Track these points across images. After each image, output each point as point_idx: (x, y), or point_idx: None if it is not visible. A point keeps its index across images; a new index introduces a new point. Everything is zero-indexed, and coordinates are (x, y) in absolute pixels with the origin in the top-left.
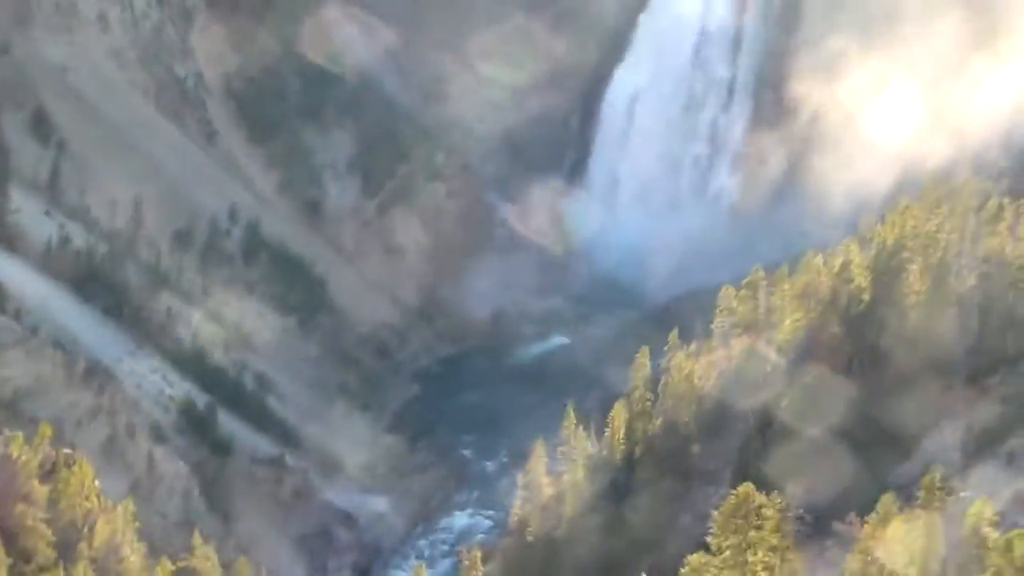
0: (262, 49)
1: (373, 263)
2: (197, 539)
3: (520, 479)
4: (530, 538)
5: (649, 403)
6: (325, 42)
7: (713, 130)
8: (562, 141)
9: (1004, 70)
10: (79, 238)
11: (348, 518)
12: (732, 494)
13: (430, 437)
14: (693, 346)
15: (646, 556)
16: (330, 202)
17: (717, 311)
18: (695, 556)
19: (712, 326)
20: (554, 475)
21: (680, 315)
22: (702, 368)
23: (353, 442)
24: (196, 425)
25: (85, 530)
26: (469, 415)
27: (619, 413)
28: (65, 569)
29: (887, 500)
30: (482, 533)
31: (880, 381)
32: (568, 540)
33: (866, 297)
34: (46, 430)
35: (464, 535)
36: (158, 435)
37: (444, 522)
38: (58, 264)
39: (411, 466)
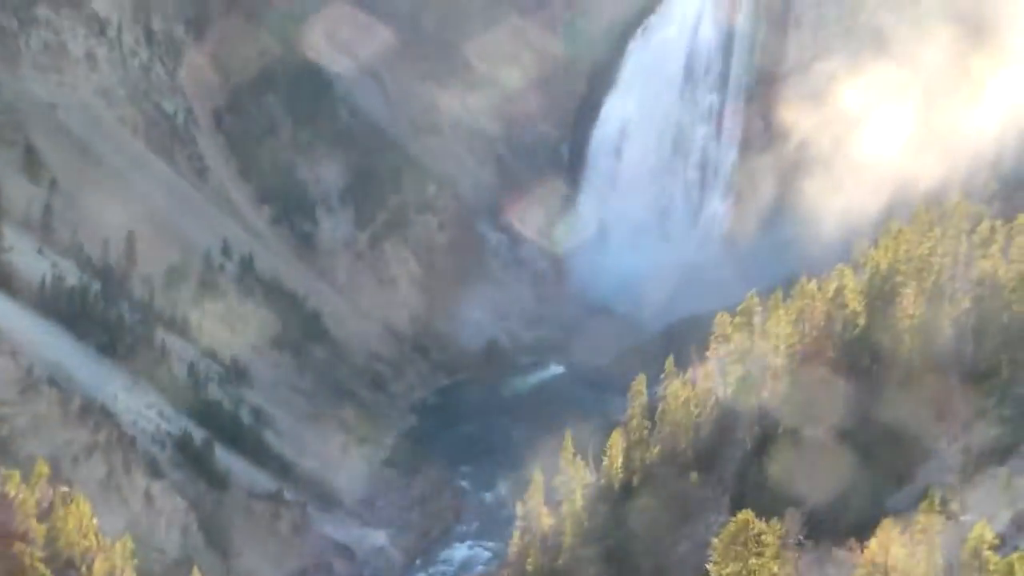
0: (252, 84)
1: (367, 295)
2: (196, 575)
3: (519, 510)
4: (530, 569)
5: (646, 431)
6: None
7: (703, 157)
8: (554, 170)
9: (992, 93)
10: (72, 276)
11: (347, 552)
12: (732, 521)
13: (428, 469)
14: (689, 373)
15: None
16: (323, 235)
17: (712, 338)
18: None
19: (708, 353)
20: (553, 505)
21: (676, 343)
22: (699, 395)
23: (351, 475)
24: (193, 460)
25: (83, 568)
26: (466, 446)
27: (616, 442)
28: None
29: (887, 525)
30: (482, 565)
31: (877, 405)
32: (568, 571)
33: (861, 322)
34: (43, 468)
35: (464, 567)
36: (155, 471)
37: (444, 554)
38: (52, 302)
39: (409, 499)
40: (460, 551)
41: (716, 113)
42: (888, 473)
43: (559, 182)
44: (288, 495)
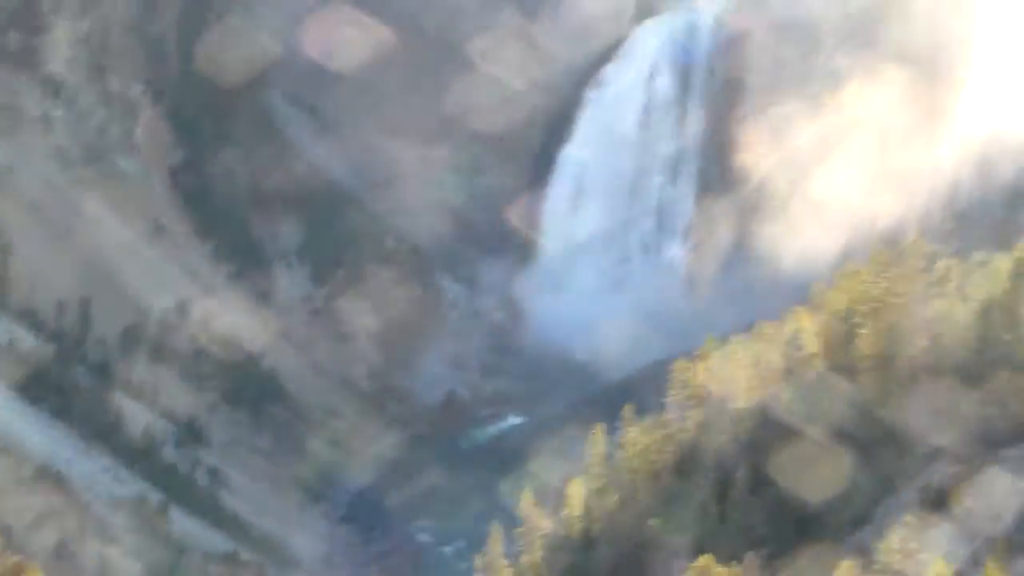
0: (208, 143)
1: (324, 351)
2: None
3: (478, 562)
4: None
5: (606, 480)
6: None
7: (660, 204)
8: (511, 221)
9: (946, 132)
10: (26, 341)
11: None
12: (691, 567)
13: (386, 525)
14: (648, 420)
15: None
16: (280, 292)
17: (670, 385)
18: None
19: (666, 400)
20: (512, 557)
21: (635, 390)
22: (658, 442)
23: (308, 534)
24: (148, 524)
25: None
26: (425, 500)
27: (576, 491)
28: None
29: (847, 567)
30: None
31: (836, 448)
32: None
33: (819, 364)
34: None
35: None
36: (109, 536)
37: None
38: (5, 368)
39: (368, 556)
40: None
41: (672, 160)
42: (848, 514)
43: (516, 232)
44: (245, 556)
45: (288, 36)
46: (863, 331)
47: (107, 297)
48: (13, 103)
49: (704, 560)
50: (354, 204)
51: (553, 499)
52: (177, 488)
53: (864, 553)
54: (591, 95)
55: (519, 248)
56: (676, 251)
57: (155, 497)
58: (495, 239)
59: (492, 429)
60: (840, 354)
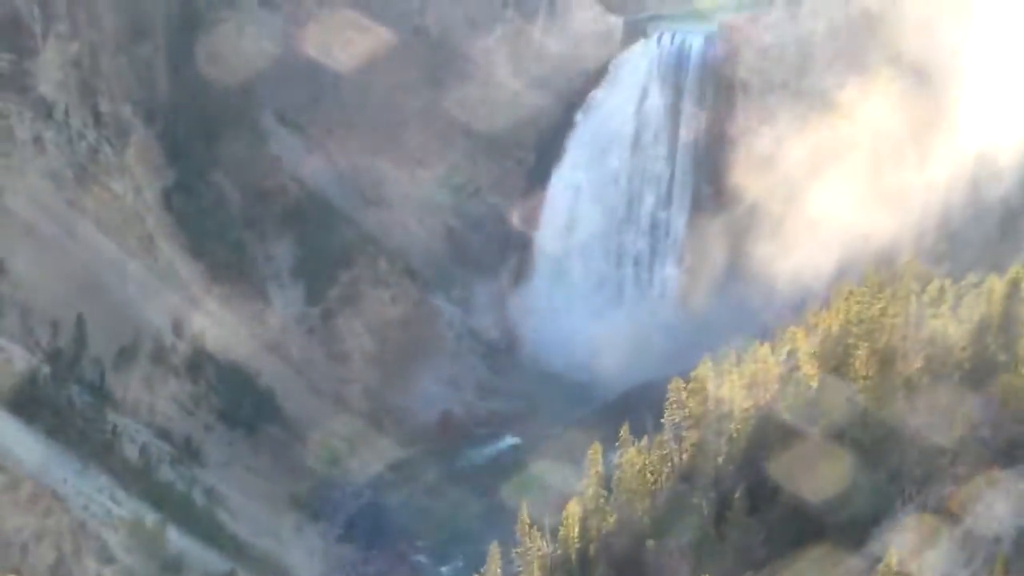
0: (200, 163)
1: (320, 371)
2: None
3: None
4: None
5: (603, 500)
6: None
7: (654, 224)
8: (505, 241)
9: (938, 153)
10: (21, 360)
11: None
12: None
13: (384, 544)
14: (644, 441)
15: None
16: (274, 312)
17: (667, 405)
18: None
19: (663, 420)
20: None
21: (631, 410)
22: (654, 463)
23: (306, 553)
24: (145, 543)
25: None
26: (422, 520)
27: (573, 511)
28: None
29: None
30: None
31: (830, 467)
32: None
33: (814, 384)
34: None
35: None
36: (106, 556)
37: None
38: (0, 388)
39: (365, 575)
40: None
41: (665, 181)
42: (845, 538)
43: (511, 253)
44: (243, 575)
45: (278, 56)
46: (858, 352)
47: (102, 316)
48: (4, 125)
49: None
50: (347, 223)
51: (551, 519)
52: (174, 507)
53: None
54: (582, 117)
55: (513, 268)
56: (670, 271)
57: (152, 516)
58: (490, 259)
59: (489, 449)
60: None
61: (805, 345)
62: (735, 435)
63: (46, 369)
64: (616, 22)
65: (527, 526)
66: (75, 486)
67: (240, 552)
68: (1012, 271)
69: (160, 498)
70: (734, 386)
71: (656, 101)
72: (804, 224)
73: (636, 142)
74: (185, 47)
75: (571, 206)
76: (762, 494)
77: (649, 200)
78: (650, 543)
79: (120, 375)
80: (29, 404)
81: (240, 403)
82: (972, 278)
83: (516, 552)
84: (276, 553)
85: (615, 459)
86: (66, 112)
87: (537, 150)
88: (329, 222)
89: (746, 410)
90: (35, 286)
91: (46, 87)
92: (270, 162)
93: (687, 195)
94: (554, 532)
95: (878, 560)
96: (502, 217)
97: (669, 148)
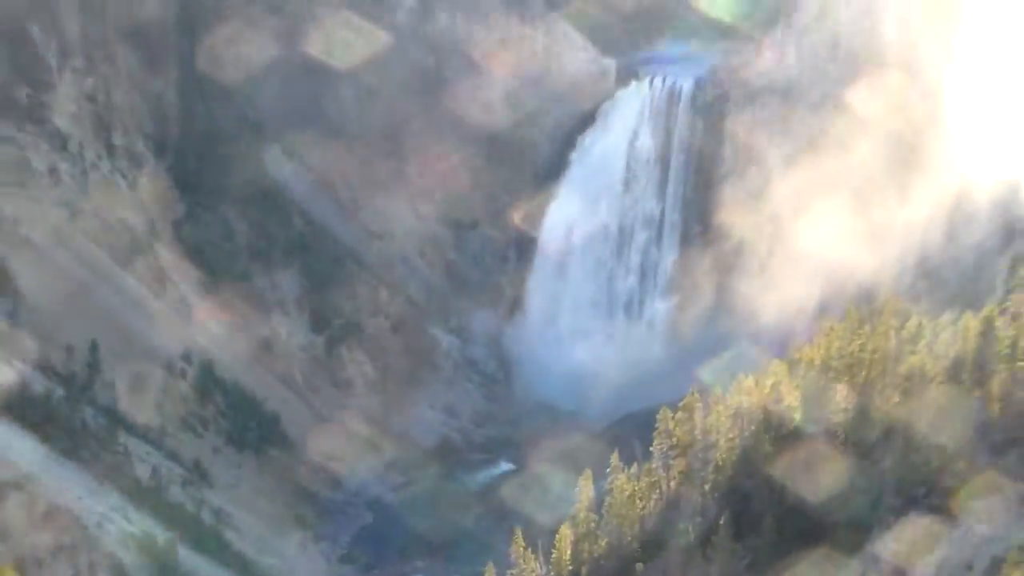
0: (209, 195)
1: (323, 397)
2: None
3: None
4: None
5: (594, 524)
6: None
7: (645, 259)
8: (501, 274)
9: (917, 194)
10: (38, 383)
11: None
12: None
13: (383, 564)
14: (634, 468)
15: None
16: (280, 341)
17: (656, 433)
18: None
19: (652, 448)
20: None
21: (621, 438)
22: (643, 489)
23: (310, 572)
24: (156, 560)
25: None
26: (421, 541)
27: (565, 535)
28: None
29: None
30: None
31: (813, 495)
32: None
33: (796, 416)
34: (9, 573)
35: None
36: (119, 572)
37: None
38: (18, 409)
39: None
40: None
41: (656, 218)
42: (827, 561)
43: (506, 285)
44: None
45: (285, 93)
46: (839, 385)
47: (115, 342)
48: (21, 156)
49: None
50: (350, 256)
51: (543, 542)
52: (184, 526)
53: None
54: (576, 157)
55: (509, 301)
56: (659, 305)
57: (163, 534)
58: (486, 292)
59: (484, 475)
60: (817, 407)
61: (787, 379)
62: (721, 463)
63: (61, 392)
64: (610, 64)
65: (522, 548)
66: (89, 504)
67: (247, 570)
68: (986, 310)
69: (170, 517)
70: (720, 416)
71: (647, 141)
72: (789, 261)
73: (628, 181)
74: (195, 83)
75: (565, 243)
76: (747, 520)
77: (640, 237)
78: (639, 566)
79: (132, 399)
80: (45, 425)
81: (247, 427)
82: (948, 316)
83: (511, 573)
84: (281, 571)
85: (605, 485)
86: (80, 144)
87: (533, 186)
88: (333, 254)
89: (731, 440)
90: (50, 312)
91: (61, 120)
92: (276, 196)
93: (676, 233)
94: (547, 554)
95: None
96: (500, 251)
97: (659, 188)
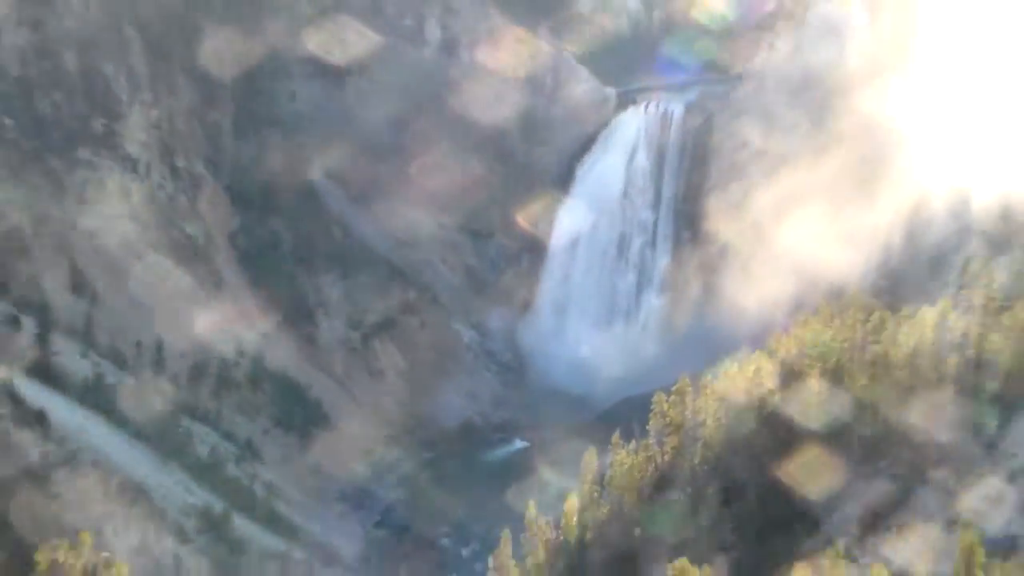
0: (260, 210)
1: (360, 385)
2: None
3: (491, 562)
4: None
5: (597, 495)
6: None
7: (641, 262)
8: (515, 276)
9: (880, 204)
10: (111, 375)
11: None
12: (671, 567)
13: (414, 530)
14: (632, 445)
15: None
16: (322, 335)
17: (652, 414)
18: None
19: (648, 427)
20: (520, 558)
21: (621, 419)
22: (640, 463)
23: (348, 536)
24: (214, 527)
25: None
26: (446, 510)
27: (572, 503)
28: None
29: (800, 568)
30: None
31: (789, 467)
32: None
33: (776, 398)
34: (87, 538)
35: None
36: (182, 537)
37: None
38: (94, 396)
39: (398, 555)
40: None
41: (651, 226)
42: (801, 524)
43: (520, 286)
44: (295, 555)
45: (325, 119)
46: (812, 371)
47: (178, 339)
48: (98, 177)
49: (681, 563)
50: (383, 262)
51: (553, 510)
52: (238, 498)
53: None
54: (581, 173)
55: (522, 300)
56: (654, 302)
57: (220, 505)
58: (502, 292)
59: (501, 451)
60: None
61: (767, 365)
62: (709, 441)
63: (131, 383)
64: (610, 92)
65: (534, 516)
66: (156, 479)
67: (293, 535)
68: (941, 304)
69: (226, 490)
70: (708, 400)
71: (643, 160)
72: (767, 262)
73: (627, 194)
74: (248, 113)
75: (573, 248)
76: (732, 489)
77: (637, 243)
78: (637, 531)
79: (193, 387)
80: (119, 412)
81: (293, 411)
82: (907, 310)
83: (525, 537)
84: (323, 536)
85: (608, 460)
86: (148, 167)
87: (544, 199)
88: (367, 260)
89: (718, 420)
90: (123, 312)
91: (132, 146)
92: (318, 210)
93: (669, 238)
94: (556, 521)
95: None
96: (514, 256)
97: (654, 199)
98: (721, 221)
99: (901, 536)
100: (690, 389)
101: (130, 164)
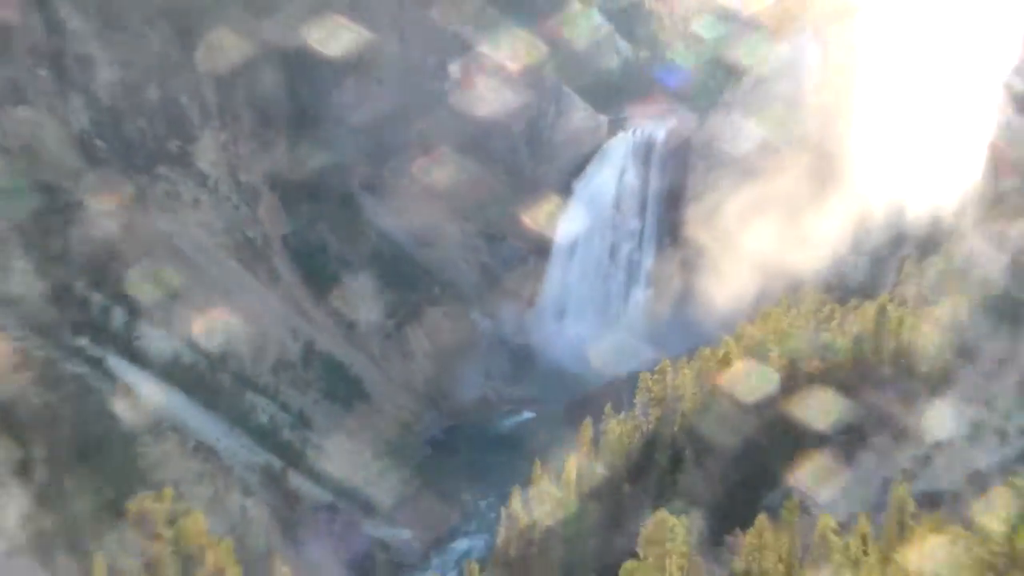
0: (308, 217)
1: (394, 365)
2: (277, 564)
3: (503, 513)
4: (512, 553)
5: (592, 457)
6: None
7: (630, 262)
8: (524, 274)
9: (830, 213)
10: (187, 355)
11: (383, 545)
12: (652, 519)
13: (440, 485)
14: (622, 415)
15: (593, 562)
16: (362, 323)
17: (638, 390)
18: (629, 563)
19: (635, 401)
20: (527, 510)
21: (613, 394)
22: (629, 431)
23: (385, 491)
24: (274, 483)
25: (199, 559)
26: (466, 469)
27: (572, 465)
28: None
29: (762, 519)
30: (478, 552)
31: (755, 432)
32: (539, 553)
33: (741, 376)
34: (168, 492)
35: (466, 554)
36: (247, 491)
37: (451, 546)
38: (173, 373)
39: (427, 506)
40: (462, 543)
41: (638, 232)
42: (763, 481)
43: (528, 282)
44: (341, 506)
45: (362, 141)
46: (772, 353)
47: (243, 327)
48: (174, 190)
49: (661, 514)
50: (412, 261)
51: (556, 470)
52: (293, 458)
53: (775, 508)
54: (578, 186)
55: (530, 294)
56: (641, 295)
57: (278, 464)
58: (513, 287)
59: (511, 421)
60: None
61: (736, 349)
62: (686, 412)
63: (204, 362)
64: (603, 119)
65: (539, 475)
66: (225, 443)
67: (339, 489)
68: (880, 298)
69: (283, 451)
70: (686, 377)
71: (631, 177)
72: (735, 262)
73: (617, 205)
74: (298, 135)
75: (572, 250)
76: (705, 452)
77: (626, 246)
78: (625, 487)
79: (255, 366)
80: (193, 386)
81: (338, 386)
82: (853, 303)
83: (532, 492)
84: (364, 490)
85: (601, 428)
86: (216, 181)
87: (548, 209)
88: (399, 259)
89: (694, 394)
90: (196, 303)
91: (203, 164)
92: (357, 217)
93: (653, 242)
94: (559, 478)
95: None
96: (522, 256)
97: (640, 209)
98: (697, 227)
99: (845, 495)
100: (670, 369)
101: (201, 179)
